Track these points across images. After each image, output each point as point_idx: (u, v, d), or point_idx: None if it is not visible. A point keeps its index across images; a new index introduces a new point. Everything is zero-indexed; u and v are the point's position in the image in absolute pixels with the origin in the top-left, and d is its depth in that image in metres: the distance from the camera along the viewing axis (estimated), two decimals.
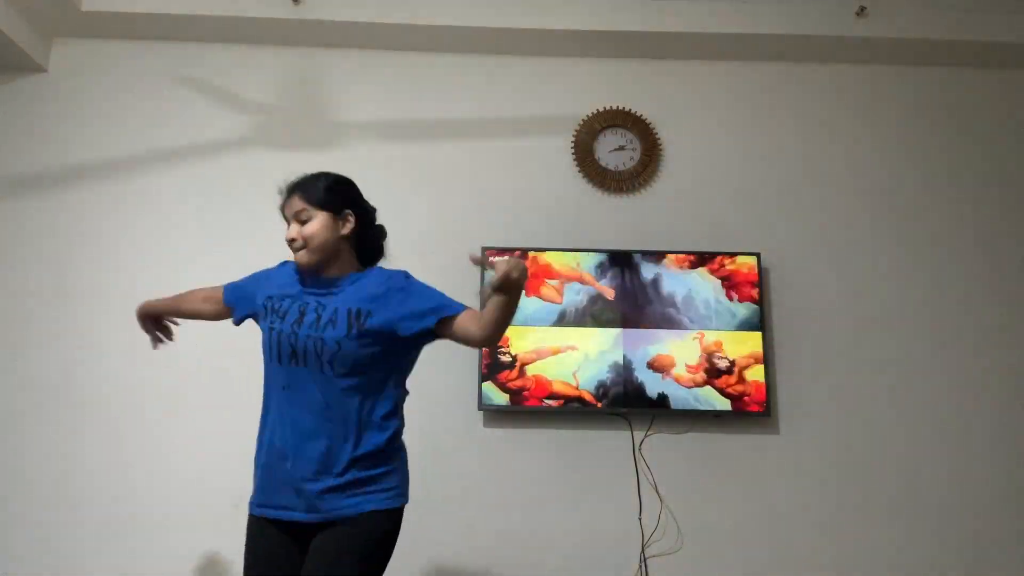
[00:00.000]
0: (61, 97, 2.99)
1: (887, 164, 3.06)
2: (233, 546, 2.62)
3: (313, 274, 1.76)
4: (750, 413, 2.71)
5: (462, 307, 1.70)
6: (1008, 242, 2.99)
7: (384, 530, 1.66)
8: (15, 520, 2.63)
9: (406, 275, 1.77)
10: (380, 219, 1.94)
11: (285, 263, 1.89)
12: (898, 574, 2.68)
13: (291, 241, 1.75)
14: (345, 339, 1.66)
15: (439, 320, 1.68)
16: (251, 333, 2.80)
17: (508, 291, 1.55)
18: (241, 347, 2.78)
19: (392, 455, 1.71)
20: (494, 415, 2.74)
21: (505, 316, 1.62)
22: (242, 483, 2.66)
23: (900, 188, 3.04)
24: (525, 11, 2.96)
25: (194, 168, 2.95)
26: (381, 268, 1.83)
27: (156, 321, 2.06)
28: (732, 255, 2.84)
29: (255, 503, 1.72)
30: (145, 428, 2.72)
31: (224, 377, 2.77)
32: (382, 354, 1.70)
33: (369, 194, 3.15)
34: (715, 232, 2.95)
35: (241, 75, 3.04)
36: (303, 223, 1.75)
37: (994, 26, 3.00)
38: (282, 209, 1.80)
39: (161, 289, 2.81)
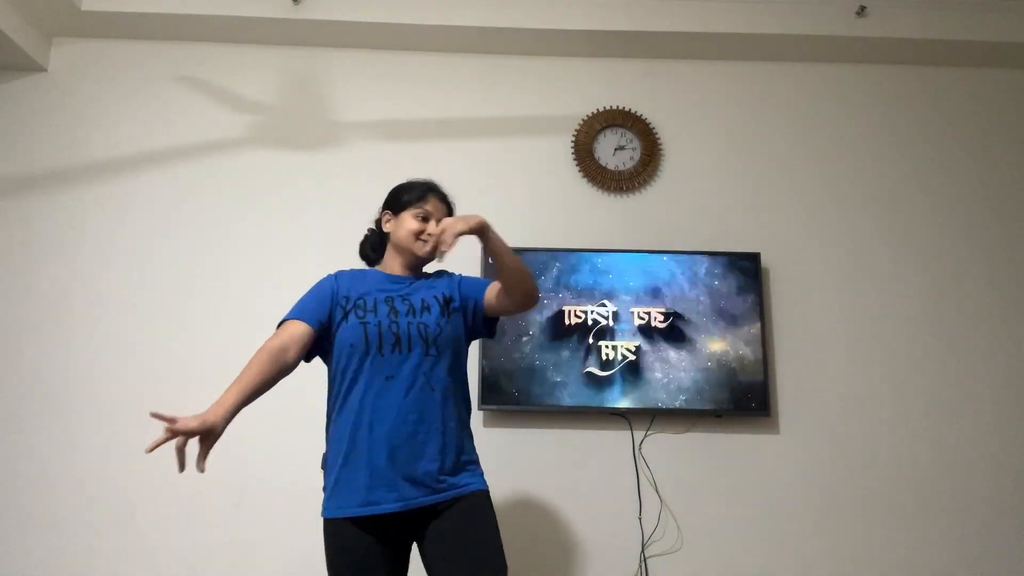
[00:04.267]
0: (61, 97, 2.99)
1: (887, 164, 3.06)
2: (233, 545, 2.62)
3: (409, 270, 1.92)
4: (750, 413, 2.71)
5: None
6: (1007, 242, 2.99)
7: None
8: (14, 520, 2.63)
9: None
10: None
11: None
12: (898, 574, 2.68)
13: (430, 237, 1.85)
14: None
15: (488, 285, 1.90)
16: (247, 331, 2.80)
17: (481, 237, 1.75)
18: (241, 345, 2.79)
19: None
20: (494, 415, 2.74)
21: (507, 261, 1.78)
22: (243, 481, 2.67)
23: (900, 188, 3.04)
24: (525, 11, 2.96)
25: (194, 167, 2.95)
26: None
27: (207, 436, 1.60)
28: (732, 255, 2.84)
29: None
30: (146, 427, 2.71)
31: (225, 374, 2.76)
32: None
33: (369, 194, 3.16)
34: (715, 232, 2.95)
35: (241, 75, 3.04)
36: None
37: (994, 26, 3.00)
38: (425, 201, 1.89)
39: (161, 288, 2.83)
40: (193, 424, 1.54)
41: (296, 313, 1.81)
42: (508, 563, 1.70)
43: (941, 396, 2.84)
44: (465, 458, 1.79)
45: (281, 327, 1.79)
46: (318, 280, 1.90)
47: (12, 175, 2.92)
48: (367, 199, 2.95)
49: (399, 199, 1.93)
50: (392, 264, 1.93)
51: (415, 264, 1.92)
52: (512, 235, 2.87)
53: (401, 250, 1.90)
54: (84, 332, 2.79)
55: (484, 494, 1.77)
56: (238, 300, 2.83)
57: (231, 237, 2.89)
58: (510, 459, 2.71)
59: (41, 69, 3.00)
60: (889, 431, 2.80)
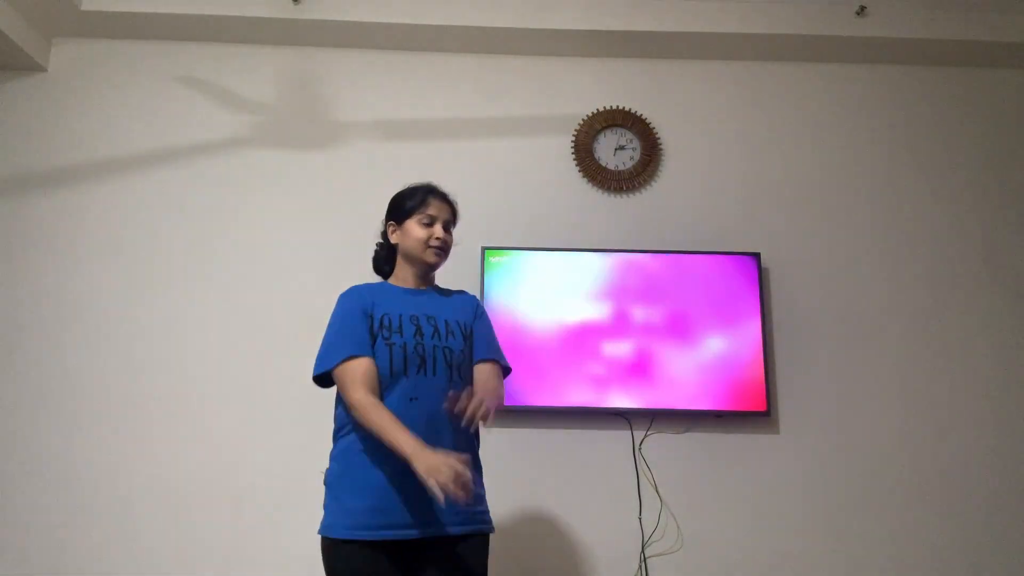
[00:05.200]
0: (61, 97, 2.99)
1: (887, 164, 3.06)
2: (233, 545, 2.62)
3: (422, 280, 1.89)
4: (750, 413, 2.71)
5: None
6: (1008, 241, 2.99)
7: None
8: (13, 521, 2.63)
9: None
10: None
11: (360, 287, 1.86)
12: (898, 573, 2.68)
13: (439, 241, 1.84)
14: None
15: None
16: (246, 330, 2.81)
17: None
18: (242, 345, 2.79)
19: None
20: (494, 415, 2.74)
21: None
22: (243, 482, 2.67)
23: (900, 188, 3.04)
24: (525, 11, 2.96)
25: (194, 168, 2.95)
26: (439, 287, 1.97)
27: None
28: (732, 255, 2.84)
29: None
30: (144, 427, 2.72)
31: (225, 375, 2.77)
32: None
33: (368, 194, 3.16)
34: (715, 232, 2.95)
35: (241, 75, 3.04)
36: (447, 231, 1.88)
37: (994, 26, 3.00)
38: (427, 206, 1.86)
39: (160, 288, 2.83)
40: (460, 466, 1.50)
41: (356, 348, 1.69)
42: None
43: (941, 396, 2.84)
44: (479, 490, 1.76)
45: (351, 368, 1.66)
46: (341, 300, 1.80)
47: (12, 175, 2.92)
48: (367, 199, 2.96)
49: (401, 207, 1.88)
50: (404, 276, 1.88)
51: (426, 272, 1.88)
52: (512, 235, 2.89)
53: (411, 260, 1.86)
54: (84, 332, 2.78)
55: (488, 538, 1.76)
56: (237, 299, 2.83)
57: (231, 237, 2.89)
58: (510, 459, 2.71)
59: (41, 69, 3.00)
60: (889, 431, 2.80)
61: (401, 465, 1.58)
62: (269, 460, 2.69)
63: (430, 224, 1.85)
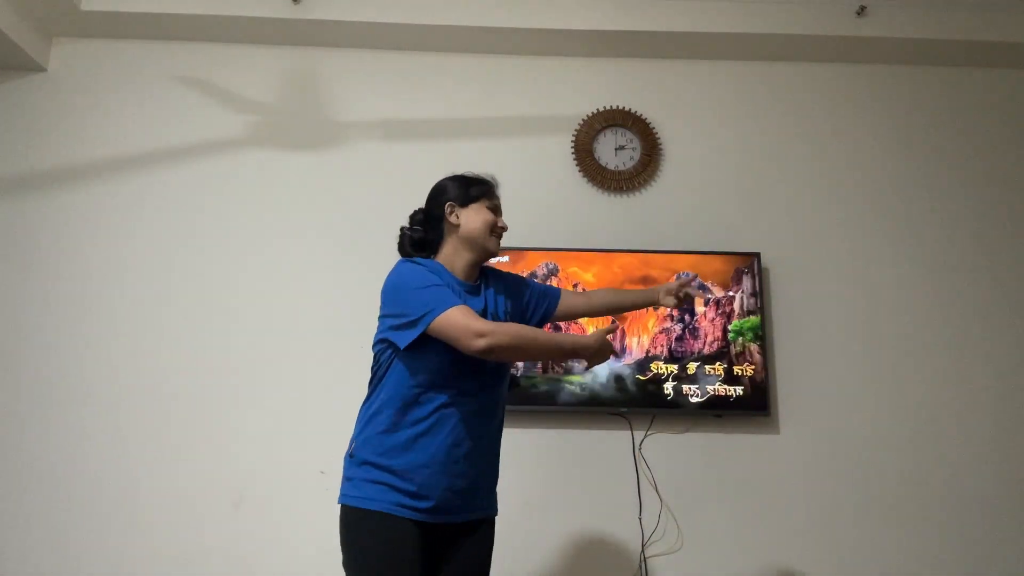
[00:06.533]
0: (61, 97, 2.99)
1: (887, 164, 3.06)
2: (233, 545, 2.62)
3: (474, 270, 1.82)
4: (750, 413, 2.71)
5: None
6: (1007, 241, 2.99)
7: None
8: (14, 520, 2.63)
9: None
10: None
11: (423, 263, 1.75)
12: (898, 574, 2.68)
13: (503, 228, 1.83)
14: None
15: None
16: (246, 329, 2.81)
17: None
18: (242, 345, 2.79)
19: None
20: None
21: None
22: (243, 481, 2.67)
23: (900, 188, 3.04)
24: (526, 11, 2.96)
25: (194, 168, 2.95)
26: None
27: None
28: (732, 255, 2.84)
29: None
30: (145, 427, 2.72)
31: (225, 374, 2.77)
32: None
33: (368, 194, 3.15)
34: (715, 232, 2.95)
35: (241, 75, 3.04)
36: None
37: (994, 26, 3.00)
38: (493, 196, 1.84)
39: (161, 288, 2.83)
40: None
41: (453, 299, 1.62)
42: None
43: (941, 396, 2.84)
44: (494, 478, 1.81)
45: (461, 311, 1.59)
46: (415, 270, 1.68)
47: (12, 175, 2.92)
48: (367, 199, 2.98)
49: (467, 191, 1.79)
50: (456, 261, 1.77)
51: (481, 260, 1.80)
52: (512, 235, 2.87)
53: (471, 244, 1.76)
54: (83, 332, 2.78)
55: (494, 522, 1.82)
56: (237, 299, 2.83)
57: (231, 236, 2.89)
58: (510, 459, 2.68)
59: (41, 69, 3.00)
60: (889, 431, 2.80)
61: (458, 451, 1.64)
62: (270, 460, 2.69)
63: (495, 213, 1.80)
